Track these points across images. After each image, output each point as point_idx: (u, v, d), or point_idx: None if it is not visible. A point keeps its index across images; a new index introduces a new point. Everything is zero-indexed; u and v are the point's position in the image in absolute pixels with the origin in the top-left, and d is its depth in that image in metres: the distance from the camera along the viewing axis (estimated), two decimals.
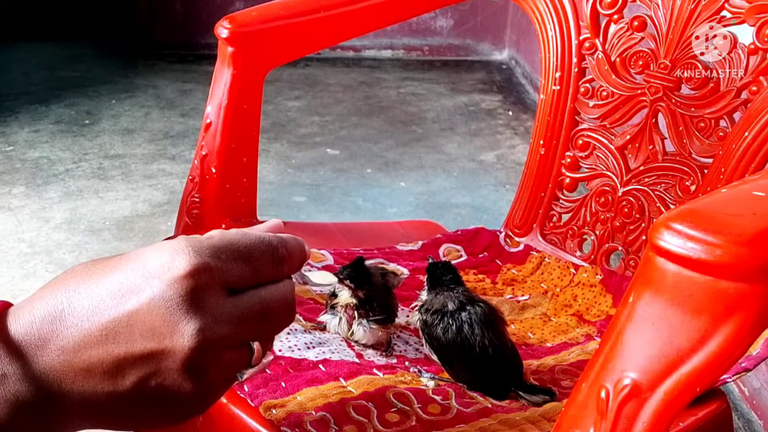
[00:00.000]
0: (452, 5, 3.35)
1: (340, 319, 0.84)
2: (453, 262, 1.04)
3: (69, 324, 0.43)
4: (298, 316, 0.88)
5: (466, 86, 3.35)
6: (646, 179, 1.03)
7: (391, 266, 0.98)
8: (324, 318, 0.86)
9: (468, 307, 0.81)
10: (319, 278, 0.71)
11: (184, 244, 0.44)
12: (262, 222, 0.57)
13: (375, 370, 0.81)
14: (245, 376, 0.47)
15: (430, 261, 0.88)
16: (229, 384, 0.47)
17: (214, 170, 1.00)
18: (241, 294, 0.45)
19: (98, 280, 0.44)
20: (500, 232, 1.13)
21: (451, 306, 0.81)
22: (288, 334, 0.84)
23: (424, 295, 0.85)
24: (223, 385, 0.47)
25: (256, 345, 0.46)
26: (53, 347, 0.42)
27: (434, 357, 0.82)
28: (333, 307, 0.85)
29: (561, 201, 1.10)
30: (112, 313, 0.43)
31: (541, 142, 1.09)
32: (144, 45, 3.55)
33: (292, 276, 0.50)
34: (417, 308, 0.85)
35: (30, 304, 0.44)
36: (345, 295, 0.83)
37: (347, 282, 0.83)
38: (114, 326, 0.43)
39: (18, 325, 0.43)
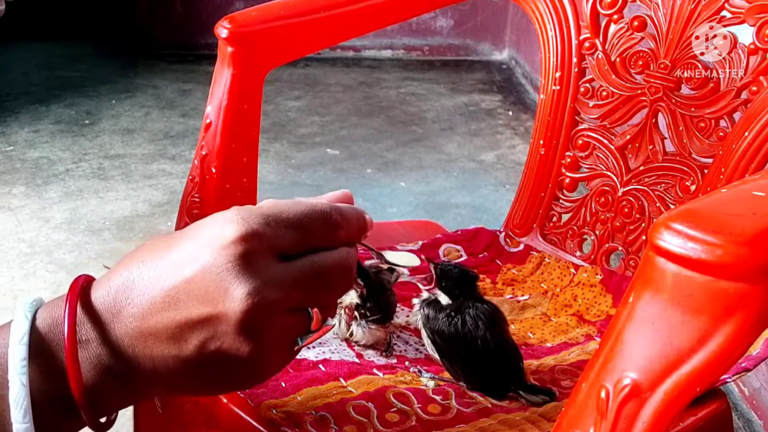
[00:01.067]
0: (452, 5, 3.36)
1: (340, 320, 0.84)
2: (453, 262, 1.04)
3: (138, 293, 0.45)
4: None
5: (466, 86, 3.35)
6: (646, 179, 1.03)
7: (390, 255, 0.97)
8: None
9: (471, 304, 0.81)
10: (397, 258, 0.71)
11: (234, 213, 0.46)
12: None
13: (375, 370, 0.81)
14: (305, 342, 0.47)
15: (444, 265, 0.85)
16: (290, 350, 0.48)
17: (214, 170, 0.99)
18: (293, 260, 0.46)
19: (162, 252, 0.46)
20: (500, 232, 1.13)
21: (452, 300, 0.81)
22: None
23: (442, 300, 0.84)
24: (283, 350, 0.47)
25: (314, 311, 0.47)
26: (126, 315, 0.45)
27: (435, 354, 0.82)
28: None
29: (561, 201, 1.10)
30: (173, 282, 0.45)
31: (541, 142, 1.09)
32: (144, 45, 3.55)
33: (373, 255, 0.53)
34: (420, 303, 0.84)
35: (107, 277, 0.47)
36: (351, 296, 0.83)
37: (358, 281, 0.82)
38: (174, 293, 0.45)
39: (97, 296, 0.46)
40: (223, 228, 0.45)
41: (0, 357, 0.44)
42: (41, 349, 0.44)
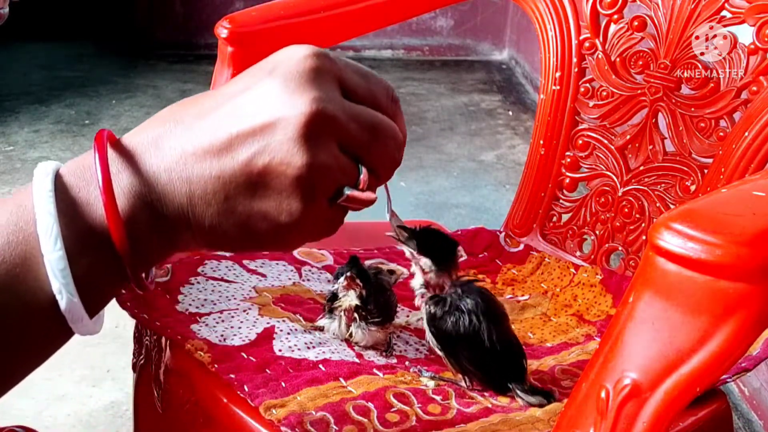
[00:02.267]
0: (452, 5, 3.36)
1: (340, 322, 0.84)
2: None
3: (185, 123, 0.44)
4: (298, 316, 0.88)
5: (466, 86, 3.35)
6: (646, 179, 1.03)
7: (392, 266, 0.98)
8: (322, 322, 0.85)
9: (472, 297, 0.80)
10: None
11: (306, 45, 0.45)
12: None
13: (375, 370, 0.81)
14: (348, 193, 0.45)
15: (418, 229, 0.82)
16: (333, 201, 0.45)
17: None
18: (355, 102, 0.45)
19: (226, 85, 0.45)
20: (500, 232, 1.13)
21: (455, 297, 0.80)
22: (288, 334, 0.84)
23: (424, 264, 0.81)
24: (327, 194, 0.45)
25: (363, 170, 0.46)
26: (167, 142, 0.43)
27: (439, 352, 0.81)
28: (332, 310, 0.84)
29: (561, 201, 1.10)
30: (231, 100, 0.43)
31: (541, 142, 1.09)
32: (144, 45, 3.55)
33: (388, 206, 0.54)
34: (425, 301, 0.83)
35: (145, 122, 0.45)
36: (350, 297, 0.83)
37: (357, 281, 0.82)
38: (230, 108, 0.43)
39: (132, 135, 0.44)
40: (296, 48, 0.44)
41: (24, 197, 0.42)
42: (68, 186, 0.42)
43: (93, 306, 0.42)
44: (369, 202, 0.46)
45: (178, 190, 0.43)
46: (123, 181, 0.42)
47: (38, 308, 0.41)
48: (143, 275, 0.44)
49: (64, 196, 0.42)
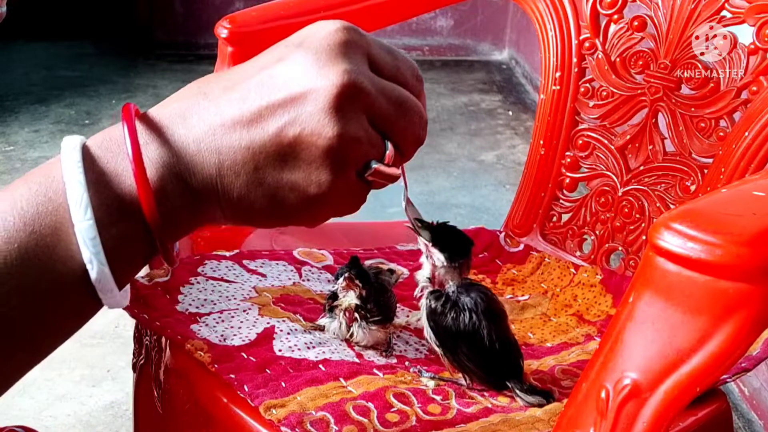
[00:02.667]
0: (452, 5, 3.36)
1: (340, 322, 0.83)
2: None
3: (213, 95, 0.44)
4: (298, 316, 0.88)
5: (466, 86, 3.35)
6: (646, 179, 1.03)
7: (392, 266, 0.98)
8: (323, 321, 0.85)
9: (472, 295, 0.80)
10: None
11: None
12: None
13: (375, 370, 0.81)
14: (375, 166, 0.45)
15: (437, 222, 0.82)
16: (360, 175, 0.45)
17: None
18: (381, 78, 0.46)
19: (254, 58, 0.46)
20: (500, 232, 1.13)
21: (455, 294, 0.80)
22: (288, 334, 0.84)
23: (437, 258, 0.80)
24: (356, 167, 0.45)
25: (389, 145, 0.46)
26: (194, 117, 0.43)
27: (438, 348, 0.81)
28: (332, 309, 0.84)
29: (561, 201, 1.10)
30: (262, 72, 0.44)
31: (541, 142, 1.09)
32: (144, 45, 3.56)
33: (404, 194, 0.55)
34: (426, 295, 0.82)
35: (174, 94, 0.45)
36: (350, 297, 0.83)
37: (356, 282, 0.82)
38: (260, 79, 0.44)
39: (158, 108, 0.44)
40: (323, 23, 0.45)
41: (52, 168, 0.42)
42: (95, 158, 0.42)
43: (122, 277, 0.42)
44: (394, 178, 0.46)
45: (207, 160, 0.43)
46: (151, 152, 0.42)
47: (69, 278, 0.41)
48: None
49: (92, 166, 0.42)
